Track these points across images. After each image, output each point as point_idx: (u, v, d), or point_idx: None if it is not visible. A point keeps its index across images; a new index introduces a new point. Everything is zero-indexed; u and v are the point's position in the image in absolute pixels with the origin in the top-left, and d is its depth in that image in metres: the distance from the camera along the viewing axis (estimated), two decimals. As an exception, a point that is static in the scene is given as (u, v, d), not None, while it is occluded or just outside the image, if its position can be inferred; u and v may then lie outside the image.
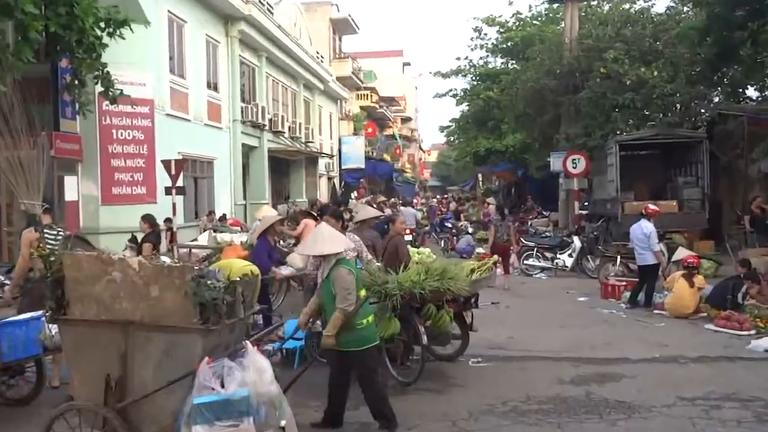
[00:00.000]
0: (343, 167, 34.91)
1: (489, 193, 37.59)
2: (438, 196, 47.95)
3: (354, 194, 34.22)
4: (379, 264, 7.04)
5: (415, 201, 34.52)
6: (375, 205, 18.13)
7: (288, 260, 9.04)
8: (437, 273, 6.32)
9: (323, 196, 30.69)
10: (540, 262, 14.93)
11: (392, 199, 29.82)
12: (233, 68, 20.43)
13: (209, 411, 3.98)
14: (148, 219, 9.43)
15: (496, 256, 7.92)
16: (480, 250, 18.53)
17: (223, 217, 17.06)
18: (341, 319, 4.79)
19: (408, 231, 15.90)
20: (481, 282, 7.12)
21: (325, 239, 4.93)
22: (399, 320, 6.28)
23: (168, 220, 13.69)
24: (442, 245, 20.16)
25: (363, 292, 5.01)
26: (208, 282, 4.38)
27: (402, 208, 21.97)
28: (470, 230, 19.83)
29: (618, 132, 17.07)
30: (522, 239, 16.08)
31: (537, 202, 26.52)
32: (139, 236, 10.03)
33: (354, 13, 39.97)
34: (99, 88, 11.21)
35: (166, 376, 4.21)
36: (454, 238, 20.17)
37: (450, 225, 22.91)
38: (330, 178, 33.42)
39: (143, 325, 4.32)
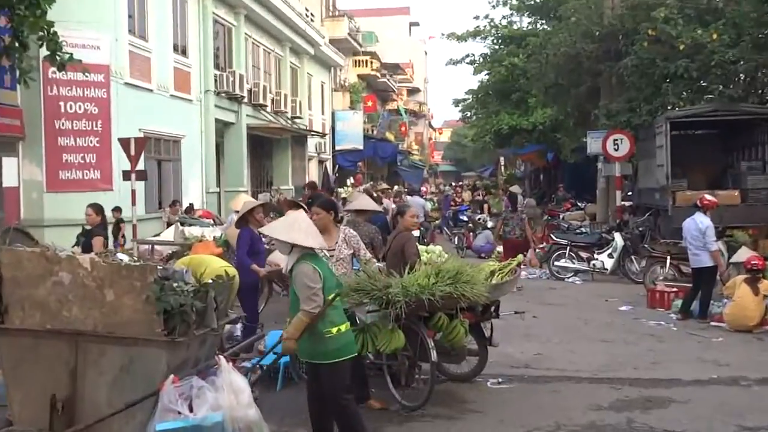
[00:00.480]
0: (337, 148, 34.93)
1: (512, 180, 37.58)
2: (453, 184, 48.00)
3: (350, 180, 34.21)
4: (380, 265, 7.04)
5: (423, 189, 34.56)
6: (375, 194, 18.15)
7: (269, 260, 9.05)
8: (450, 276, 6.31)
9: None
10: (574, 263, 14.96)
11: (396, 187, 29.84)
12: (205, 28, 20.40)
13: (175, 439, 4.00)
14: (98, 208, 9.45)
15: (521, 256, 7.92)
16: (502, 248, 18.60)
17: (191, 208, 17.07)
18: (304, 322, 4.81)
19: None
20: (503, 287, 7.12)
21: (301, 228, 4.97)
22: (404, 332, 6.29)
23: (117, 210, 13.64)
24: (456, 242, 20.22)
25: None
26: (175, 285, 4.39)
27: (408, 197, 21.99)
28: (490, 225, 19.86)
29: (669, 107, 17.02)
30: (552, 236, 16.10)
31: (570, 191, 26.51)
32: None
33: (351, -37, 40.04)
34: (44, 52, 11.19)
35: (123, 397, 4.23)
36: (471, 234, 20.21)
37: (466, 218, 22.96)
38: (321, 161, 33.43)
39: (96, 335, 4.33)
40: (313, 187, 13.84)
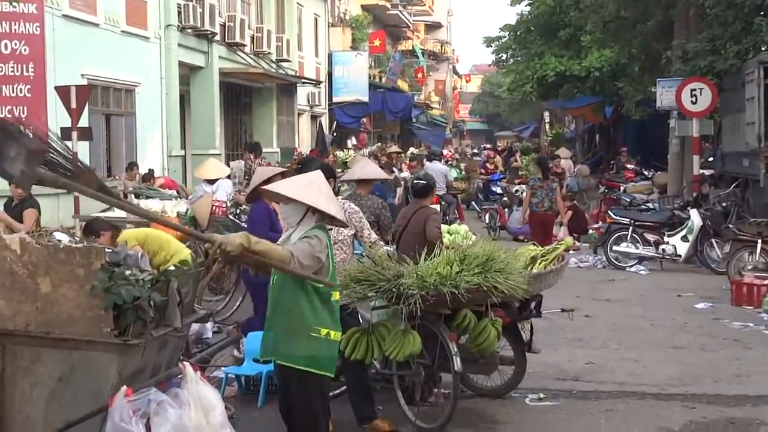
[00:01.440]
0: (335, 100, 34.86)
1: (560, 141, 37.43)
2: (484, 146, 47.87)
3: (352, 141, 34.13)
4: (388, 248, 7.03)
5: (447, 153, 34.51)
6: (385, 159, 18.15)
7: None
8: (478, 263, 6.33)
9: (304, 143, 30.65)
10: (637, 248, 14.95)
11: (411, 150, 29.77)
12: (166, -56, 20.30)
13: (128, 468, 4.04)
14: None
15: (569, 239, 7.93)
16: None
17: (150, 175, 17.10)
18: (281, 260, 4.62)
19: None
20: (546, 278, 7.13)
21: (321, 191, 4.94)
22: (419, 334, 6.31)
23: None
24: (487, 221, 20.20)
25: (336, 296, 5.04)
26: (128, 272, 4.40)
27: (427, 163, 21.95)
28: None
29: (764, 48, 16.87)
30: (610, 213, 16.05)
31: (635, 156, 26.40)
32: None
33: None
34: (-41, -26, 11.16)
35: (63, 414, 4.25)
36: (505, 210, 20.19)
37: (499, 191, 22.92)
38: (315, 117, 33.42)
39: (28, 336, 4.35)
40: (254, 149, 13.70)
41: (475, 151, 41.66)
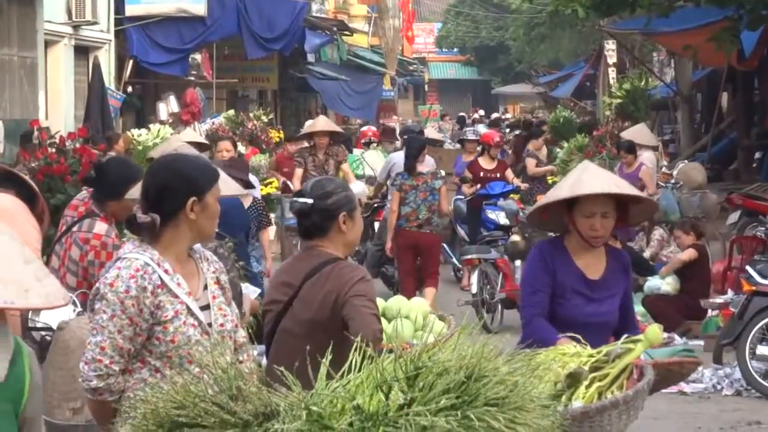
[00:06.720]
0: (128, 14, 35.10)
1: (640, 107, 37.86)
2: (478, 115, 48.49)
3: (169, 106, 34.23)
4: (256, 356, 6.96)
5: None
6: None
7: None
8: (449, 386, 6.05)
9: (60, 110, 30.60)
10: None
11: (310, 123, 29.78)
12: None
13: None
14: None
15: (656, 329, 7.79)
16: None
17: None
18: None
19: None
20: (604, 417, 7.15)
21: None
22: None
23: None
24: (475, 286, 20.12)
25: None
26: None
27: (393, 155, 22.24)
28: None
29: None
30: (751, 271, 16.01)
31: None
32: None
33: None
34: None
35: None
36: (514, 264, 20.20)
37: (504, 219, 22.83)
38: (84, 50, 33.60)
39: None
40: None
41: (470, 128, 42.00)
